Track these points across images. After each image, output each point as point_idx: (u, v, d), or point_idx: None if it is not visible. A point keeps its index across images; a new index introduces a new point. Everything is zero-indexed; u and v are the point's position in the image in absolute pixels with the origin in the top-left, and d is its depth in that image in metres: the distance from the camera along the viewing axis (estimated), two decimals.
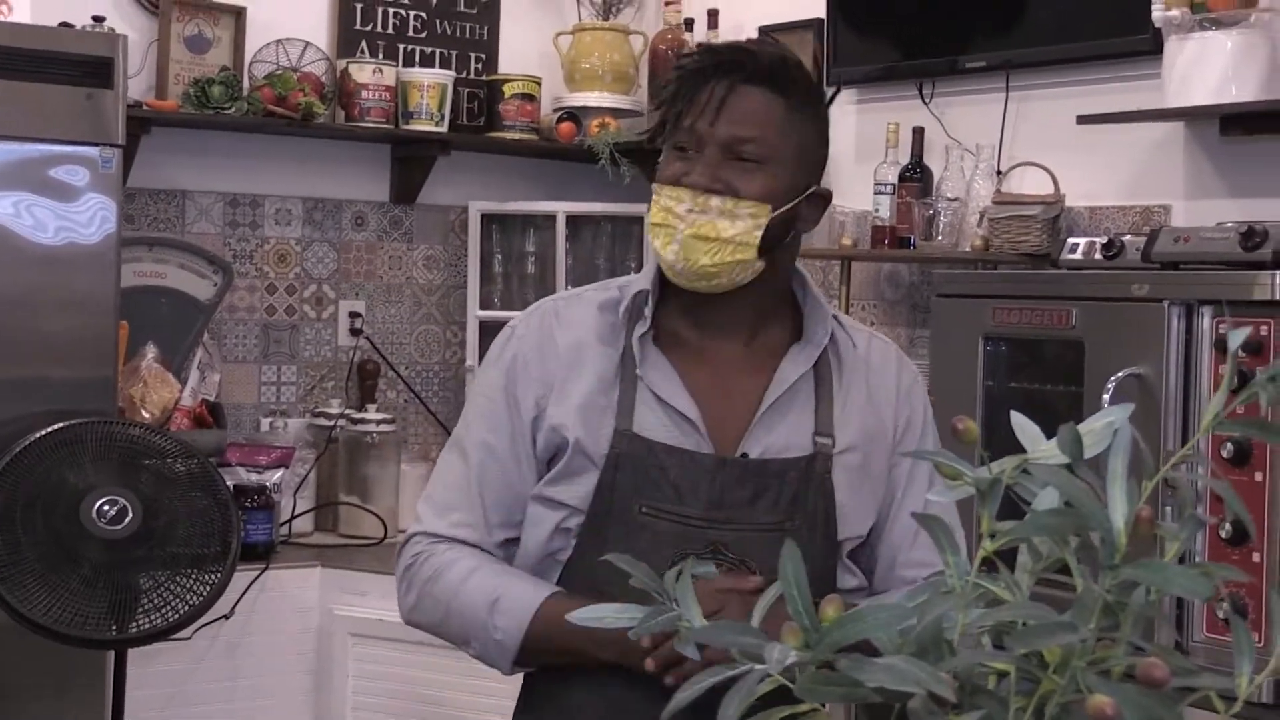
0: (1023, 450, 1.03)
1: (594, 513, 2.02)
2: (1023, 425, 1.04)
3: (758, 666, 0.89)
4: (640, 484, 2.01)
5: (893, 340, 2.49)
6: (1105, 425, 1.02)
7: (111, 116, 3.88)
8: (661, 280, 2.08)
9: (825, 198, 2.15)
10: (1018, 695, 0.94)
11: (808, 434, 2.05)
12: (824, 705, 0.95)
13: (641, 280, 2.12)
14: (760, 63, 2.04)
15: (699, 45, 2.24)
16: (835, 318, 2.14)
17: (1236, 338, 1.06)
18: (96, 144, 3.86)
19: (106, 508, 3.47)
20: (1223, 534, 2.82)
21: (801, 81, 2.09)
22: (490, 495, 2.10)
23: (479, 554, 2.09)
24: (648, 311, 2.06)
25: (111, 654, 3.64)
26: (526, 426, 2.08)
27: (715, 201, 1.98)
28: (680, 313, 2.09)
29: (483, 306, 5.04)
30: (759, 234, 1.98)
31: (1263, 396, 1.02)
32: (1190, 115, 3.62)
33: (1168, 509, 2.73)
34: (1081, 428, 1.01)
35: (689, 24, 4.96)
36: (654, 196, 2.06)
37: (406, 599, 2.14)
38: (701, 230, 1.98)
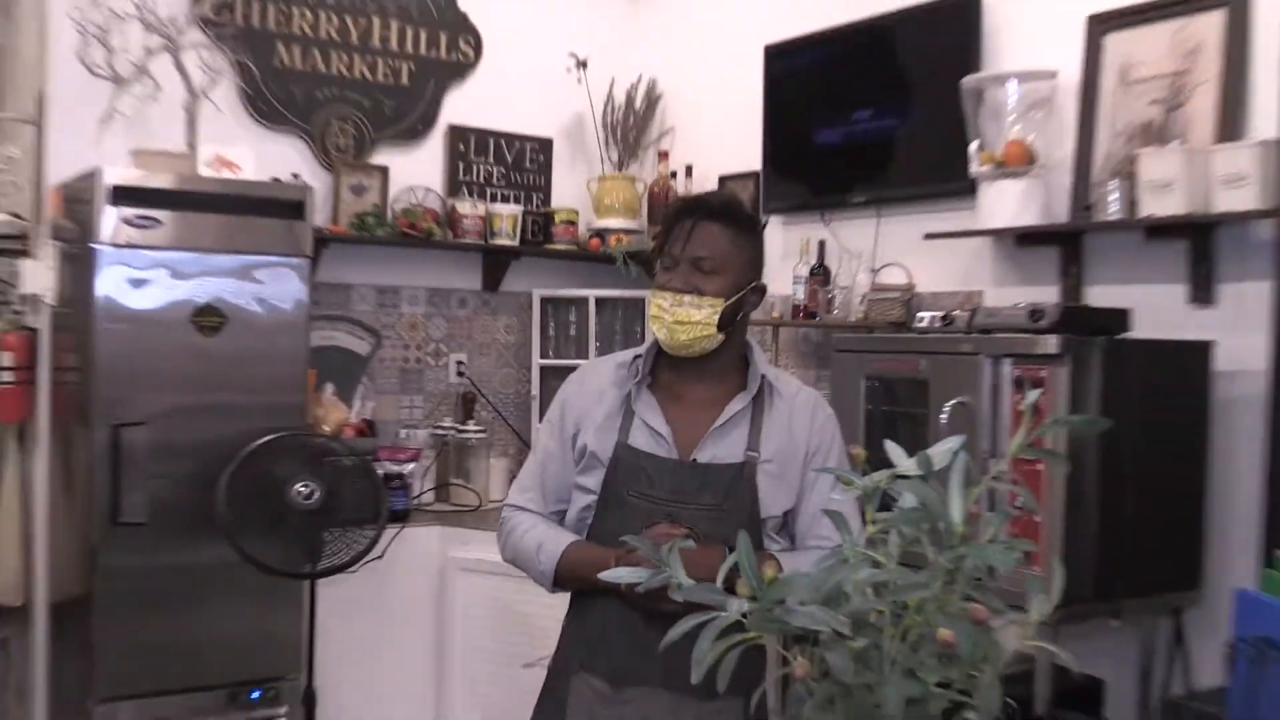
0: (891, 463, 1.11)
1: (603, 495, 2.13)
2: (892, 449, 1.12)
3: (724, 614, 0.97)
4: (629, 477, 2.11)
5: (806, 380, 2.55)
6: (947, 449, 1.10)
7: (304, 238, 3.95)
8: (658, 348, 2.18)
9: (762, 290, 2.23)
10: (891, 628, 1.02)
11: (741, 449, 2.14)
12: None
13: (644, 349, 2.22)
14: (713, 204, 2.16)
15: (681, 196, 2.33)
16: (773, 375, 2.22)
17: (1033, 395, 1.15)
18: (295, 255, 3.92)
19: (302, 489, 3.53)
20: (1016, 506, 2.87)
21: (742, 215, 2.20)
22: (549, 482, 2.22)
23: (538, 518, 2.21)
24: (643, 368, 2.18)
25: (308, 582, 3.69)
26: (570, 440, 2.19)
27: (687, 299, 2.08)
28: (668, 368, 2.20)
29: (541, 357, 5.09)
30: (716, 318, 2.09)
31: (1048, 434, 1.11)
32: (995, 233, 3.66)
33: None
34: (930, 451, 1.10)
35: (674, 174, 5.00)
36: (652, 296, 2.16)
37: (499, 544, 2.27)
38: (680, 318, 2.08)
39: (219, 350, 3.78)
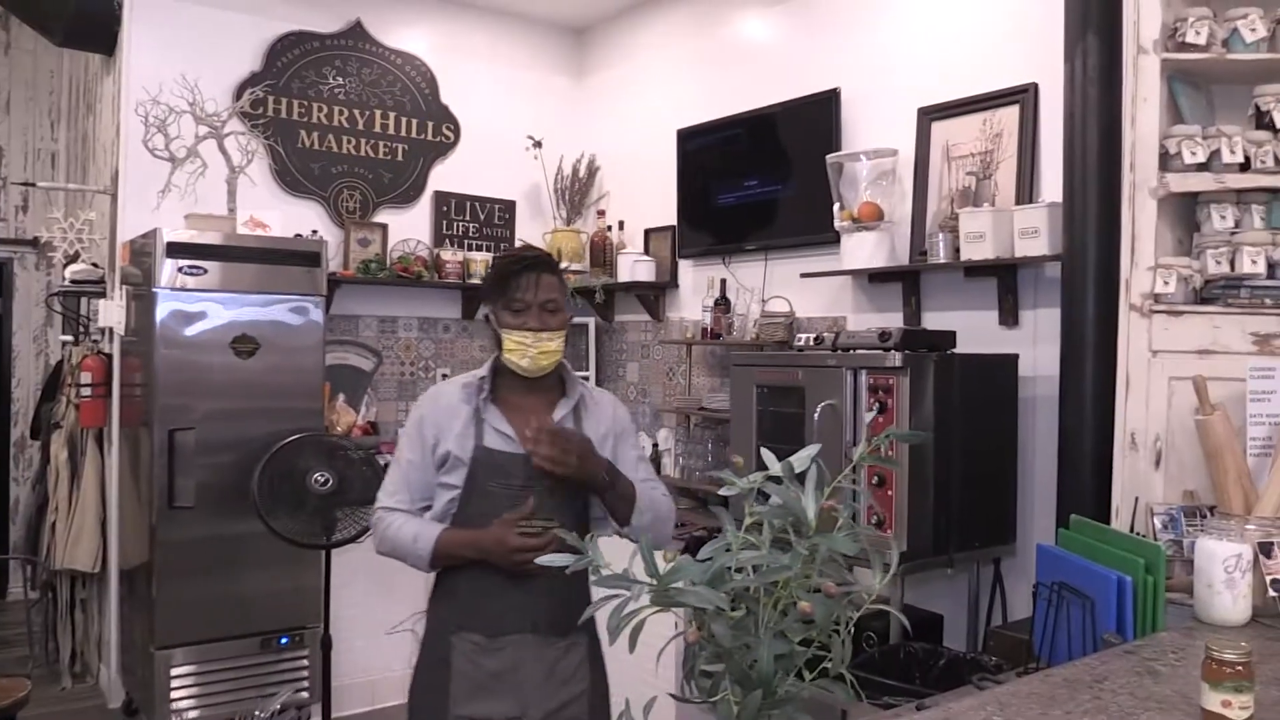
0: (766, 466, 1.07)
1: (466, 488, 2.04)
2: (767, 455, 1.08)
3: (625, 594, 0.93)
4: (488, 472, 2.03)
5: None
6: (807, 454, 1.06)
7: (320, 282, 3.90)
8: (493, 371, 2.13)
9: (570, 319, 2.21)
10: (765, 599, 0.98)
11: None
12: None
13: (483, 371, 2.14)
14: (546, 259, 2.12)
15: (515, 249, 2.24)
16: (585, 385, 2.19)
17: (869, 416, 1.12)
18: (312, 294, 3.86)
19: (319, 478, 3.46)
20: (875, 483, 2.87)
21: (558, 266, 2.16)
22: (414, 485, 2.11)
23: (407, 514, 2.09)
24: (486, 387, 2.10)
25: (324, 552, 3.61)
26: (430, 448, 2.09)
27: (544, 335, 2.04)
28: (505, 386, 2.12)
29: None
30: (563, 345, 2.06)
31: (883, 444, 1.08)
32: (853, 273, 3.66)
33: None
34: (794, 458, 1.05)
35: (610, 227, 4.96)
36: (509, 334, 2.06)
37: (374, 539, 2.15)
38: (542, 349, 2.04)
39: (253, 369, 3.74)
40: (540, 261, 2.10)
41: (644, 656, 1.03)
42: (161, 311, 3.60)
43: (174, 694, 3.60)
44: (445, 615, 2.08)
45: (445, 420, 2.08)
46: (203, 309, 3.66)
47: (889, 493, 2.80)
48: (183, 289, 3.63)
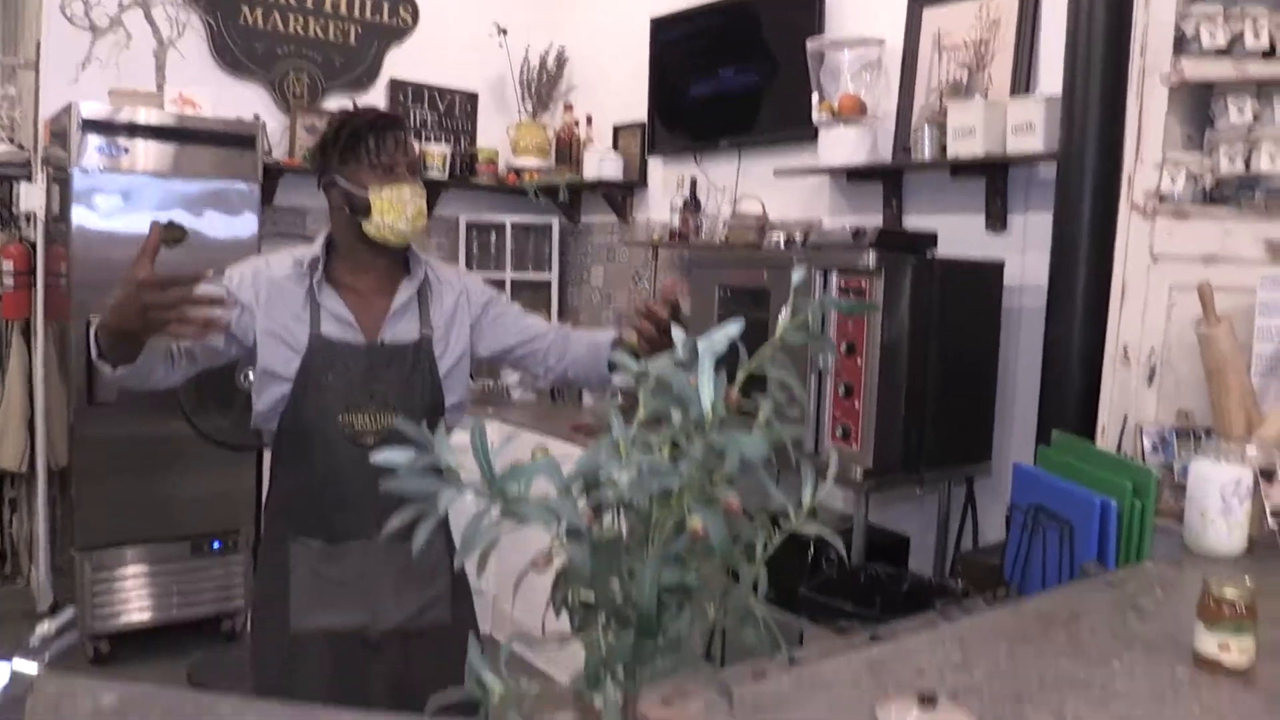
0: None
1: (299, 380, 1.76)
2: (678, 336, 0.84)
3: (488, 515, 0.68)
4: (324, 362, 1.77)
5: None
6: (724, 335, 0.82)
7: (255, 167, 3.61)
8: (326, 249, 1.85)
9: None
10: (657, 515, 0.73)
11: (416, 328, 1.84)
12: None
13: (315, 250, 1.84)
14: (400, 119, 1.85)
15: (356, 109, 1.91)
16: (430, 264, 1.92)
17: (798, 273, 0.87)
18: (246, 181, 3.58)
19: (250, 375, 3.23)
20: (841, 393, 2.66)
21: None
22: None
23: None
24: (320, 266, 1.81)
25: (256, 454, 3.40)
26: (236, 317, 1.78)
27: (420, 192, 1.81)
28: (342, 265, 1.84)
29: (466, 269, 4.70)
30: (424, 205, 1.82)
31: (814, 314, 0.84)
32: (831, 171, 3.41)
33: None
34: (708, 336, 0.81)
35: (577, 123, 4.65)
36: (382, 193, 1.77)
37: None
38: (420, 209, 1.80)
39: (181, 260, 3.40)
40: (398, 122, 1.84)
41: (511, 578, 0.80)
42: (79, 195, 3.34)
43: (96, 598, 3.41)
44: (282, 520, 1.84)
45: (274, 297, 1.79)
46: (125, 192, 3.38)
47: (856, 404, 2.59)
48: (102, 170, 3.35)
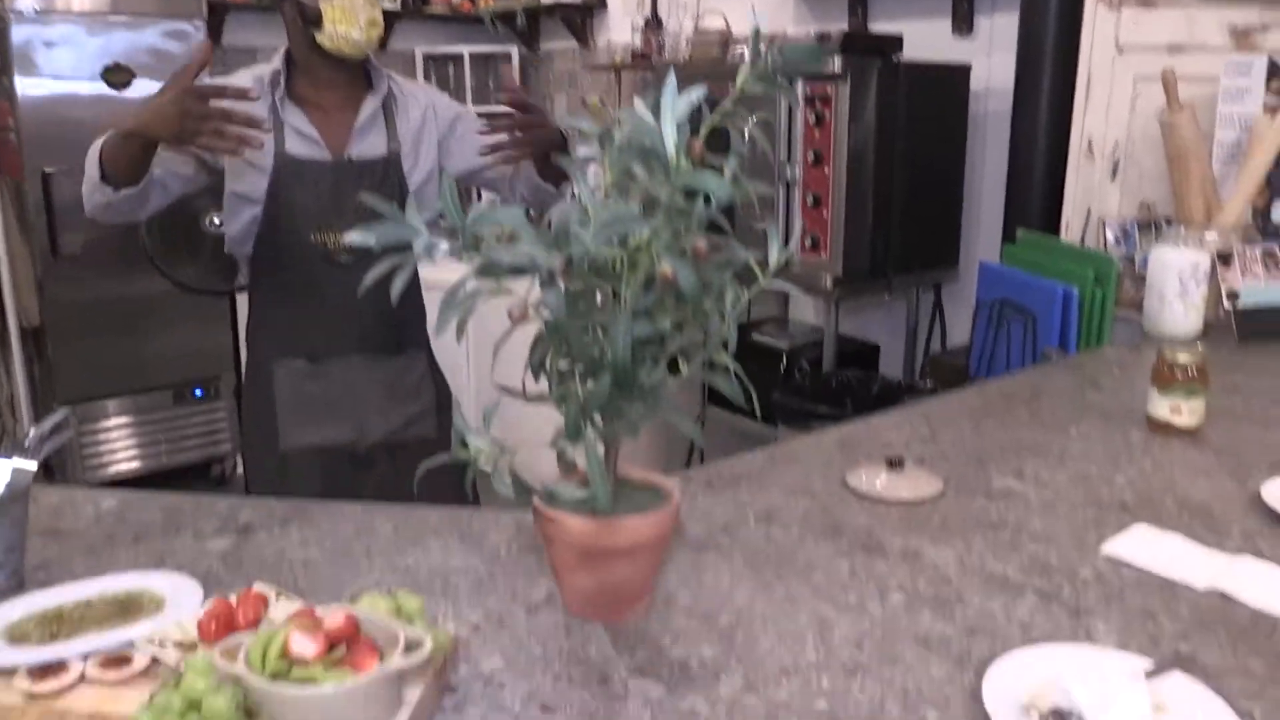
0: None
1: (269, 202, 1.73)
2: (637, 103, 0.84)
3: (469, 283, 0.69)
4: (292, 180, 1.73)
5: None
6: (686, 100, 0.82)
7: (197, 2, 3.48)
8: (286, 63, 1.78)
9: None
10: (627, 270, 0.75)
11: (384, 142, 1.80)
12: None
13: (275, 64, 1.77)
14: None
15: None
16: (393, 78, 1.85)
17: (755, 20, 0.87)
18: (189, 19, 3.45)
19: (215, 219, 3.18)
20: (809, 203, 2.66)
21: None
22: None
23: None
24: (282, 80, 1.75)
25: (229, 296, 3.40)
26: None
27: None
28: (302, 80, 1.77)
29: None
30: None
31: (769, 60, 0.84)
32: None
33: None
34: (668, 94, 0.82)
35: None
36: (330, 4, 1.70)
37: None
38: (373, 18, 1.71)
39: (131, 101, 3.30)
40: None
41: (488, 356, 0.82)
42: (17, 38, 3.21)
43: (84, 449, 3.46)
44: (265, 344, 1.85)
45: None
46: (65, 35, 3.26)
47: (824, 213, 2.60)
48: (39, 13, 3.22)
